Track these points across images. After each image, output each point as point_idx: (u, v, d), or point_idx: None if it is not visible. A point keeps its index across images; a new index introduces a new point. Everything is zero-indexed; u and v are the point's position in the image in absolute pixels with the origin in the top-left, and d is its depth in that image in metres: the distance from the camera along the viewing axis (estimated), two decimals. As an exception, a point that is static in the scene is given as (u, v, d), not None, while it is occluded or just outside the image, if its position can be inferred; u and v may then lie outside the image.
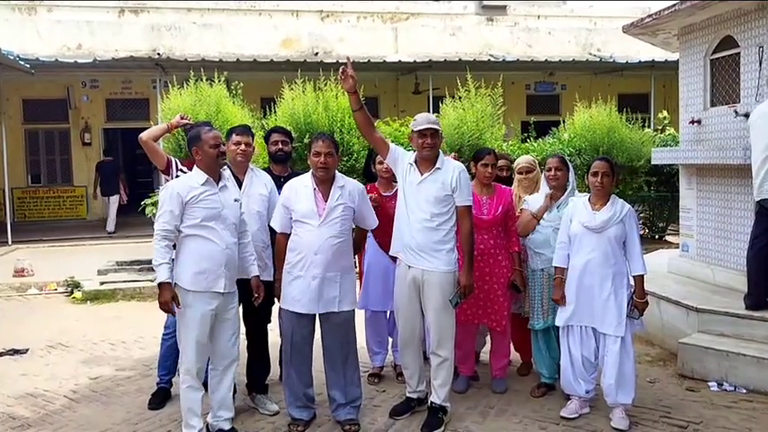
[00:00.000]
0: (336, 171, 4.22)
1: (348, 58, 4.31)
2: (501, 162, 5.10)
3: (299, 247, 4.09)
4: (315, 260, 4.04)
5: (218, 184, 3.93)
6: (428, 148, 4.10)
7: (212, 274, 3.84)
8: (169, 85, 9.66)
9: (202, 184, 3.85)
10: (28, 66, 12.24)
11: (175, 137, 8.55)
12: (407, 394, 4.44)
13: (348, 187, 4.19)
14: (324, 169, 4.10)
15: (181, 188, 3.83)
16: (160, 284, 3.76)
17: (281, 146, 4.77)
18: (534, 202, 4.74)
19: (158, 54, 13.62)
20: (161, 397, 4.65)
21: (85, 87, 15.12)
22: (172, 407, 4.59)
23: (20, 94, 14.51)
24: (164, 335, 4.72)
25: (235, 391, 4.46)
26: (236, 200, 4.02)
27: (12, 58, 11.63)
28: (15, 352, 6.06)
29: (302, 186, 4.16)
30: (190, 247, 3.84)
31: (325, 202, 4.09)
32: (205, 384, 4.13)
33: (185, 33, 15.01)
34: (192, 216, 3.81)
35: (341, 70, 4.11)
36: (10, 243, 12.01)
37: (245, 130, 4.50)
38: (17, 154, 14.67)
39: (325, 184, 4.13)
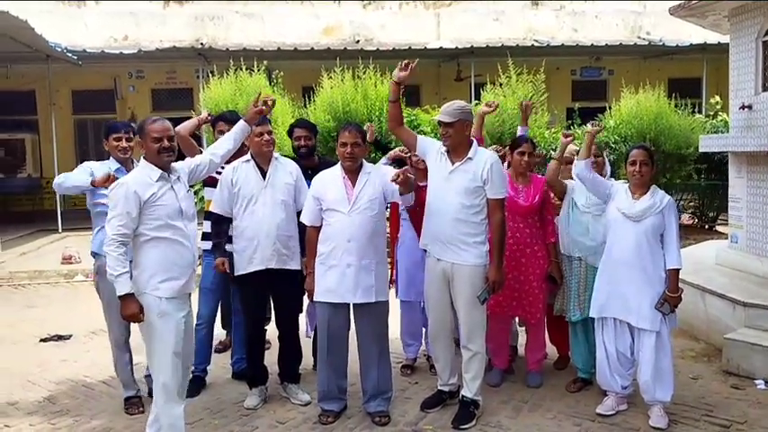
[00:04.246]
0: (364, 160, 4.20)
1: (411, 62, 4.14)
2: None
3: (331, 236, 4.06)
4: (348, 248, 4.00)
5: (170, 177, 3.58)
6: (444, 139, 4.04)
7: (185, 276, 3.57)
8: (209, 74, 9.76)
9: (157, 180, 3.50)
10: (75, 57, 12.53)
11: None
12: (439, 387, 4.38)
13: (373, 173, 4.15)
14: (351, 159, 4.08)
15: (138, 186, 3.43)
16: (122, 297, 3.40)
17: (303, 141, 4.80)
18: (574, 185, 4.59)
19: (201, 44, 13.78)
20: (196, 385, 4.69)
21: (131, 78, 15.42)
22: (206, 395, 4.68)
23: (69, 85, 14.87)
24: (197, 324, 4.75)
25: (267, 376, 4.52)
26: (188, 189, 3.72)
27: (60, 50, 11.92)
28: (59, 338, 6.23)
29: (331, 176, 4.15)
30: (158, 251, 3.48)
31: (353, 189, 4.07)
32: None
33: (228, 23, 15.14)
34: (153, 216, 3.45)
35: (405, 63, 4.01)
36: (60, 231, 12.36)
37: (265, 119, 4.38)
38: (67, 143, 15.08)
39: (353, 172, 4.11)
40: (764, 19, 5.92)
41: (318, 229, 4.14)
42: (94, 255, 4.42)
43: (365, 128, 4.44)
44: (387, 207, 4.44)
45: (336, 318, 4.11)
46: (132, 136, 4.34)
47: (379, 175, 4.16)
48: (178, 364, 3.56)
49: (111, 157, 4.44)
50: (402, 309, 5.01)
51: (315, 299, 4.15)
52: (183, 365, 3.65)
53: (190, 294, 3.68)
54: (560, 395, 4.53)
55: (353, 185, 4.08)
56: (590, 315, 4.29)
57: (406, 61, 4.01)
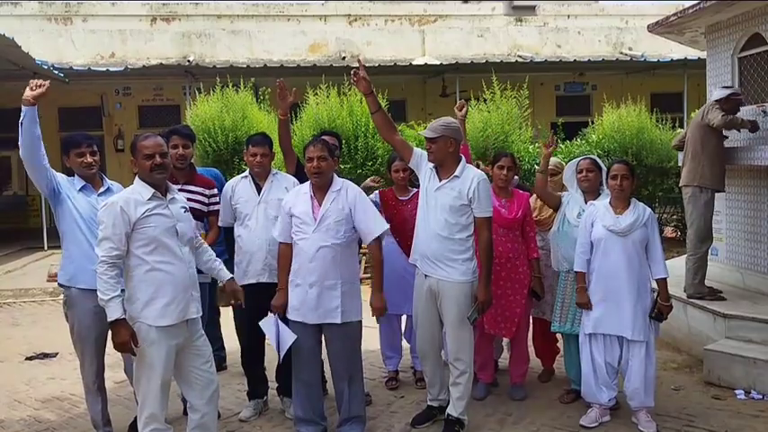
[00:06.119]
0: (335, 175, 4.09)
1: (359, 60, 4.29)
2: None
3: (297, 254, 3.99)
4: (310, 268, 3.91)
5: (165, 195, 3.47)
6: (428, 154, 4.07)
7: (182, 301, 3.40)
8: (196, 91, 9.81)
9: (149, 199, 3.37)
10: (62, 75, 12.53)
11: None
12: (428, 402, 4.36)
13: (344, 190, 4.01)
14: (318, 174, 3.95)
15: (127, 205, 3.31)
16: (113, 322, 3.25)
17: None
18: (568, 197, 4.65)
19: (188, 61, 13.83)
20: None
21: (118, 95, 15.42)
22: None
23: (56, 102, 14.78)
24: None
25: (266, 389, 4.60)
26: (185, 210, 3.57)
27: (46, 67, 11.92)
28: (45, 356, 6.20)
29: (302, 193, 4.06)
30: (150, 274, 3.33)
31: (320, 207, 3.97)
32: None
33: (215, 40, 15.21)
34: (144, 237, 3.31)
35: (353, 73, 4.07)
36: (46, 248, 12.28)
37: (261, 139, 4.44)
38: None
39: (321, 189, 4.00)
40: (740, 35, 6.07)
41: (290, 245, 4.05)
42: (62, 285, 4.03)
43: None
44: None
45: (306, 337, 4.02)
46: (96, 149, 4.05)
47: (351, 196, 4.00)
48: (166, 392, 3.42)
49: (75, 175, 4.05)
50: (379, 321, 5.01)
51: (287, 315, 4.07)
52: (197, 394, 3.52)
53: (194, 320, 3.51)
54: (545, 407, 4.57)
55: (320, 204, 3.97)
56: (585, 332, 4.28)
57: (353, 72, 4.04)
